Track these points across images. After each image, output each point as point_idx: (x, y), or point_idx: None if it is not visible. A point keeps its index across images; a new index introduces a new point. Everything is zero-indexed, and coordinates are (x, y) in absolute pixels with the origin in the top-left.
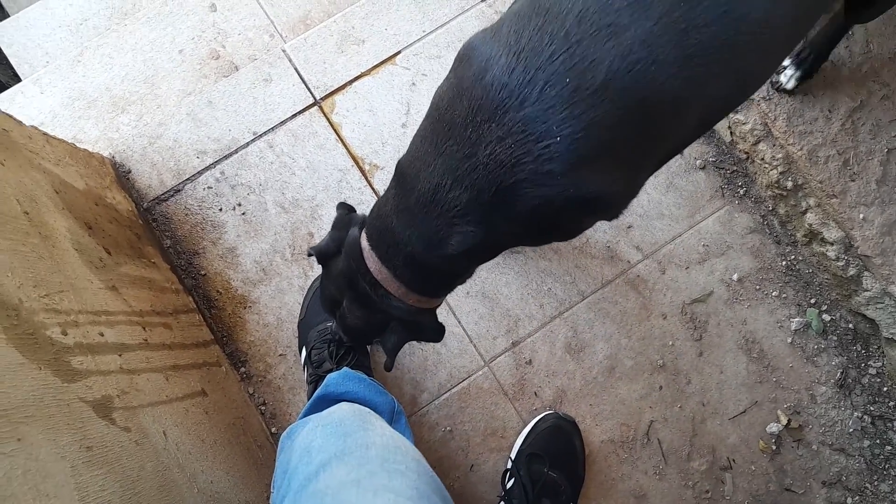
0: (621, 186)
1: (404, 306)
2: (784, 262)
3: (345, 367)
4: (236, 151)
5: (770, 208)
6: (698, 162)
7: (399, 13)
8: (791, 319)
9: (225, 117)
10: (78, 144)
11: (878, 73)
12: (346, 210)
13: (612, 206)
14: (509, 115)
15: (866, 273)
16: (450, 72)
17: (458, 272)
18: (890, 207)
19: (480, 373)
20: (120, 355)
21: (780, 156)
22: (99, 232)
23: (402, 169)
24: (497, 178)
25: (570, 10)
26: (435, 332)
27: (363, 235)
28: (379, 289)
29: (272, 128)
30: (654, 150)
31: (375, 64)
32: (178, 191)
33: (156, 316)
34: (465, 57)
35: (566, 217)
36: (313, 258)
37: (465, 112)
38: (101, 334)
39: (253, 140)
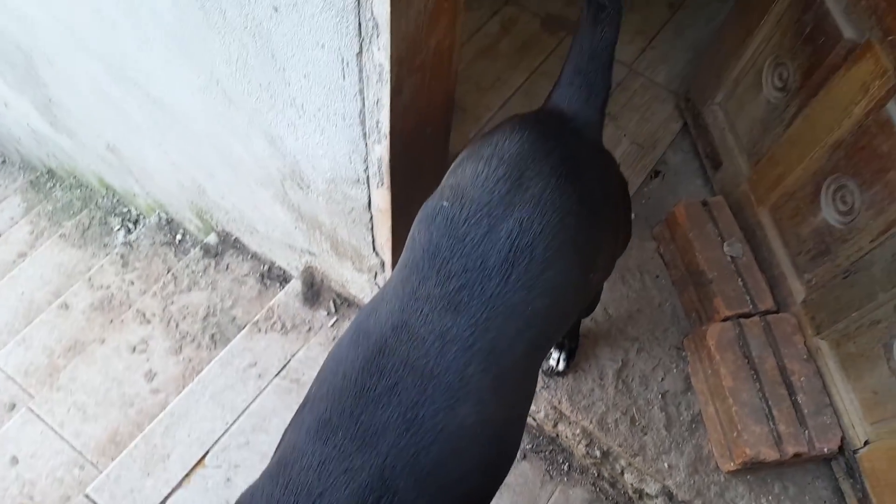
0: None
1: None
2: None
3: None
4: None
5: (596, 475)
6: (519, 454)
7: (198, 415)
8: None
9: None
10: None
11: (624, 331)
12: None
13: None
14: None
15: None
16: None
17: None
18: (685, 447)
19: None
20: None
21: (578, 431)
22: None
23: None
24: None
25: (309, 467)
26: None
27: None
28: None
29: None
30: None
31: (185, 473)
32: None
33: None
34: None
35: None
36: None
37: None
38: None
39: None
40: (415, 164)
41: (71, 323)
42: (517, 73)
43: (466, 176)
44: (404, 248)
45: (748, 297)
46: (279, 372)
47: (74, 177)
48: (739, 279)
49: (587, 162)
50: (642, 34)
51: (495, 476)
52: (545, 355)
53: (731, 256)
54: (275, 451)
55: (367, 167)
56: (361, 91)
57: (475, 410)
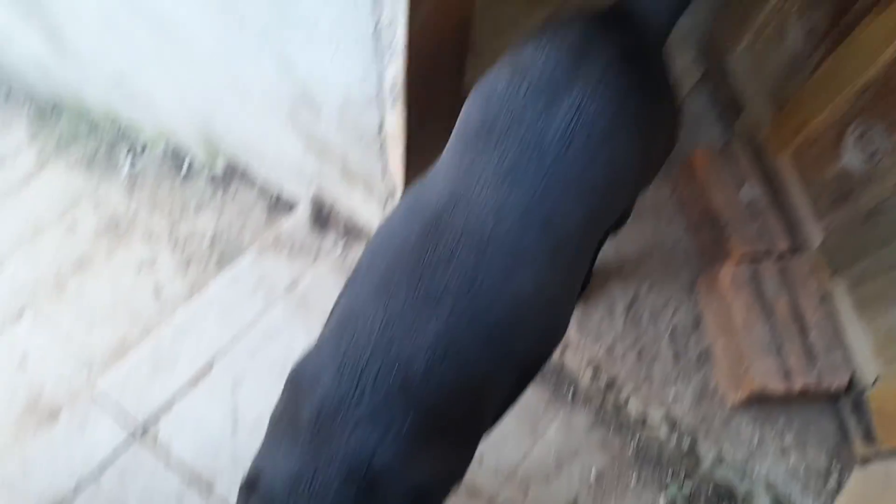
0: (460, 465)
1: None
2: (631, 448)
3: None
4: None
5: (599, 403)
6: None
7: (205, 326)
8: (657, 501)
9: (43, 476)
10: None
11: (636, 269)
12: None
13: (454, 481)
14: (350, 413)
15: (698, 442)
16: (281, 394)
17: None
18: (692, 379)
19: None
20: None
21: (584, 360)
22: None
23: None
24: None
25: (373, 325)
26: None
27: None
28: None
29: (97, 472)
30: (483, 418)
31: (193, 378)
32: None
33: None
34: (294, 381)
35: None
36: None
37: (310, 416)
38: None
39: (77, 490)
40: (429, 86)
41: (78, 242)
42: (532, 19)
43: (526, 55)
44: (456, 125)
45: (764, 239)
46: (287, 292)
47: (80, 107)
48: (756, 222)
49: (648, 59)
50: None
51: (548, 343)
52: (601, 234)
53: (749, 200)
54: (326, 323)
55: (380, 87)
56: (377, 5)
57: (532, 279)
